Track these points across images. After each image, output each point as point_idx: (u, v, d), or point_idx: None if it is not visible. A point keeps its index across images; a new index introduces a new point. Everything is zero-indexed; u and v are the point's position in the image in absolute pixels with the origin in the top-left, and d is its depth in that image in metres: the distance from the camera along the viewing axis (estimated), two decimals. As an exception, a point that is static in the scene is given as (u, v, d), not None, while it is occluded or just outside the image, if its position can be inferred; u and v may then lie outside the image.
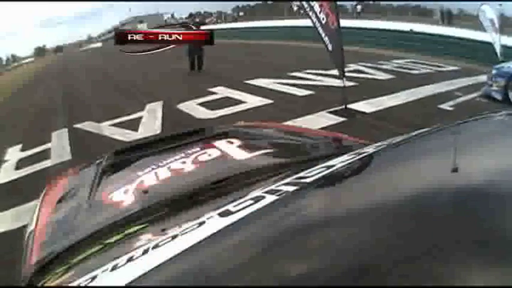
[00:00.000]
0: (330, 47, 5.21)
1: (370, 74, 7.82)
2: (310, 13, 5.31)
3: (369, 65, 8.59)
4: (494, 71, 5.52)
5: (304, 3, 5.44)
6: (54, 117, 6.77)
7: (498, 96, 5.33)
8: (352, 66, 8.18)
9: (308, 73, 7.99)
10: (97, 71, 14.42)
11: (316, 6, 5.21)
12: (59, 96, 9.35)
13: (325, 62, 8.08)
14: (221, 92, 6.88)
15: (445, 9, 16.30)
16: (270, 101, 5.96)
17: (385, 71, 8.11)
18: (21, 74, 22.73)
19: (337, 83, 6.36)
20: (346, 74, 6.98)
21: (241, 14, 29.73)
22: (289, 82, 7.25)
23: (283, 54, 12.55)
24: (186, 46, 8.89)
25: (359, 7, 20.79)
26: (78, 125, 5.61)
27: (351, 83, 5.41)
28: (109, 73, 12.86)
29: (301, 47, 13.66)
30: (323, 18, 5.14)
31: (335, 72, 7.19)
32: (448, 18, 16.06)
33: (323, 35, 5.24)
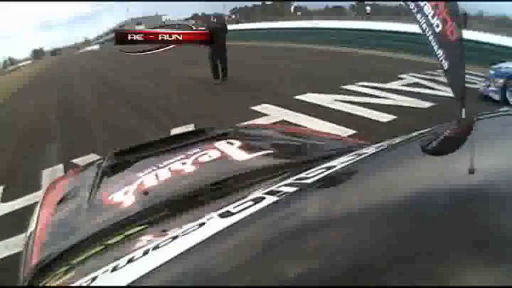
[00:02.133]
0: (445, 65, 3.80)
1: (434, 89, 6.15)
2: (418, 16, 3.90)
3: (422, 76, 7.03)
4: (491, 71, 5.51)
5: (410, 2, 4.00)
6: (48, 146, 5.12)
7: (496, 97, 5.32)
8: (406, 78, 6.88)
9: (365, 86, 6.33)
10: (99, 80, 12.24)
11: (428, 7, 3.79)
12: (53, 116, 7.37)
13: (366, 72, 7.04)
14: (270, 112, 5.26)
15: (461, 11, 16.01)
16: (352, 131, 4.31)
17: (445, 84, 6.44)
18: (16, 79, 21.31)
19: (416, 103, 5.12)
20: (404, 87, 6.10)
21: (233, 16, 29.39)
22: (354, 100, 5.57)
23: (309, 59, 10.73)
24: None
25: (368, 8, 20.32)
26: (77, 160, 4.08)
27: (428, 103, 4.50)
28: (114, 83, 10.81)
29: (324, 51, 11.93)
30: (437, 25, 3.73)
31: (399, 86, 6.07)
32: (464, 20, 15.72)
33: (436, 47, 3.82)
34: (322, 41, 13.62)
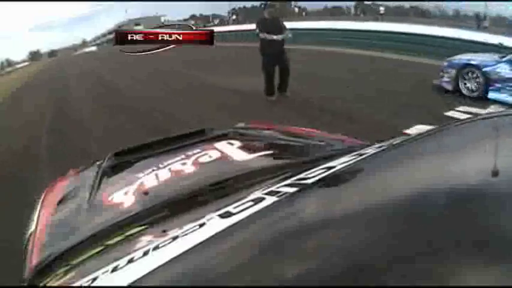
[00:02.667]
0: None
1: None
2: None
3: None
4: (445, 63, 5.60)
5: None
6: (40, 171, 3.69)
7: (449, 87, 5.41)
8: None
9: (467, 113, 4.49)
10: (104, 90, 9.45)
11: None
12: (48, 139, 5.34)
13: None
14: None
15: (474, 12, 14.92)
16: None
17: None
18: (14, 81, 20.37)
19: None
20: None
21: (234, 17, 28.84)
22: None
23: (363, 68, 7.85)
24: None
25: (382, 8, 19.32)
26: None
27: None
28: (122, 96, 8.05)
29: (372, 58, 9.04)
30: None
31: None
32: (477, 22, 14.52)
33: None
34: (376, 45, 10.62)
